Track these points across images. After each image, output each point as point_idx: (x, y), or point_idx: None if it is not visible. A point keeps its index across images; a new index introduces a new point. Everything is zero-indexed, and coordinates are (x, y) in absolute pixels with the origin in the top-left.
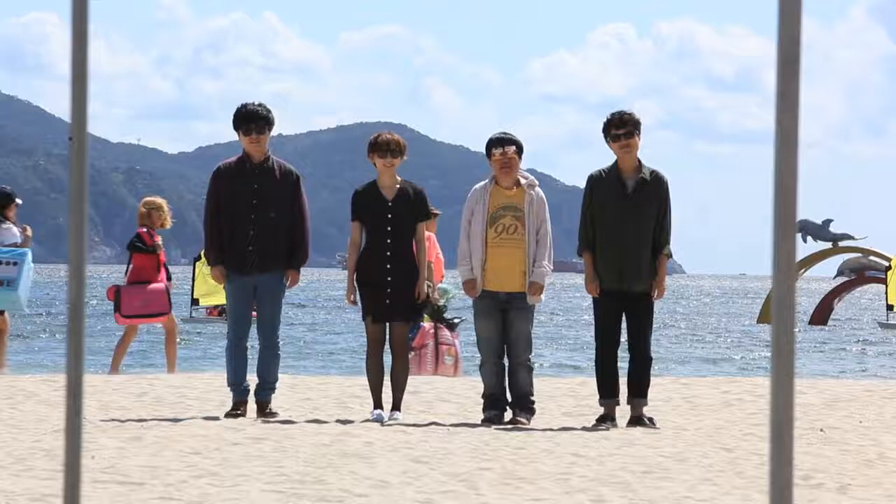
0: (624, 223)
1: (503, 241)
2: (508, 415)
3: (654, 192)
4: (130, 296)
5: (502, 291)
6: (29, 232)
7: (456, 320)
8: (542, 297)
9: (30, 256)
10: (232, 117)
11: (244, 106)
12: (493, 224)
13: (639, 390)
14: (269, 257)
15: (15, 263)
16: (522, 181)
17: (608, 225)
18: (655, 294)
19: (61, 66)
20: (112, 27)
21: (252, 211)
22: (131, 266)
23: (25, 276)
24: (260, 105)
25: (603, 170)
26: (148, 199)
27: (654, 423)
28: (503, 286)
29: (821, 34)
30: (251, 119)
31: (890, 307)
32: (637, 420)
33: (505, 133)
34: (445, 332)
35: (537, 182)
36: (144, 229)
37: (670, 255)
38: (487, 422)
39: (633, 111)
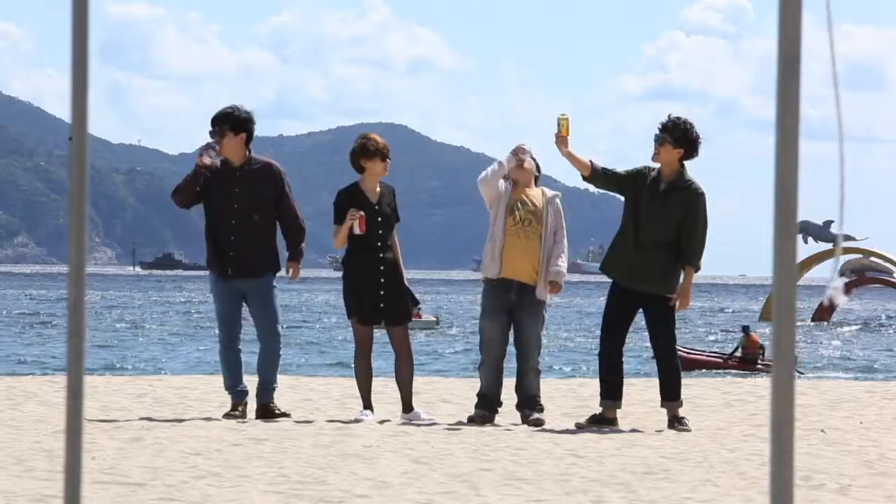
0: (645, 221)
1: (519, 230)
2: (499, 417)
3: (682, 199)
4: None
5: (515, 280)
6: None
7: None
8: (555, 297)
9: None
10: None
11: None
12: (510, 213)
13: (669, 393)
14: (250, 262)
15: None
16: (547, 190)
17: (630, 219)
18: (678, 305)
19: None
20: None
21: (233, 216)
22: None
23: None
24: (231, 107)
25: (651, 167)
26: None
27: (686, 425)
28: (517, 274)
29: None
30: (213, 122)
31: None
32: (674, 421)
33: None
34: None
35: (560, 194)
36: None
37: (698, 269)
38: (475, 420)
39: (686, 120)
